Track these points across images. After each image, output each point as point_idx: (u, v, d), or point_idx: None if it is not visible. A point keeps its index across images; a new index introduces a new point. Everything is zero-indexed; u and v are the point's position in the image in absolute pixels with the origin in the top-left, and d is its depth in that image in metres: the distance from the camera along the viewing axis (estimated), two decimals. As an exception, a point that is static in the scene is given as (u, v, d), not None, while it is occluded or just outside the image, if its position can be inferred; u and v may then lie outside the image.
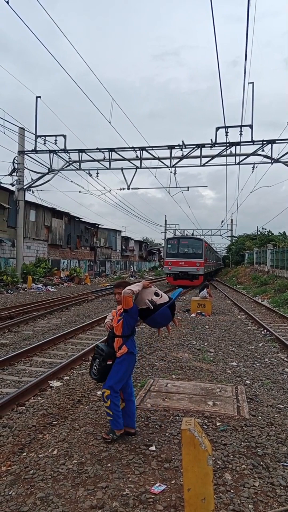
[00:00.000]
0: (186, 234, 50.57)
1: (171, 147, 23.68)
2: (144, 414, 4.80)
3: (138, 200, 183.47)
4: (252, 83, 22.27)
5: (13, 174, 26.26)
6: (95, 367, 4.15)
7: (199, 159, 23.73)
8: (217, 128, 22.27)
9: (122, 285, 4.15)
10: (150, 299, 4.08)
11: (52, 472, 3.49)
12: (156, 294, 4.17)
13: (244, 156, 23.49)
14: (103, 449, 3.91)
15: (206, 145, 22.99)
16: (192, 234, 49.91)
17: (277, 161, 22.63)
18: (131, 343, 4.15)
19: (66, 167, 25.77)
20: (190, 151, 23.57)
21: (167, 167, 24.58)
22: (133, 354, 4.15)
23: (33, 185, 26.97)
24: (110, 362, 4.09)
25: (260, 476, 3.48)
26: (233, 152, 23.18)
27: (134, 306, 4.09)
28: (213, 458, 3.54)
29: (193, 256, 30.76)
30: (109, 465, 3.62)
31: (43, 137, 24.53)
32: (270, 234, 50.41)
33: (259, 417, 4.84)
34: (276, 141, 22.27)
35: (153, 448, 3.95)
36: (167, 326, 4.43)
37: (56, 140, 24.28)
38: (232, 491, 3.25)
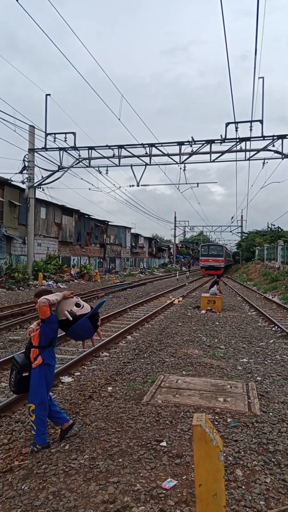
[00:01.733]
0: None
1: (180, 143, 23.58)
2: (154, 410, 4.82)
3: (147, 196, 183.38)
4: (263, 77, 21.99)
5: (23, 172, 26.41)
6: (12, 379, 4.03)
7: (208, 155, 23.61)
8: (227, 124, 22.12)
9: (42, 294, 4.02)
10: (70, 310, 3.96)
11: (64, 467, 3.52)
12: (77, 305, 4.04)
13: (254, 152, 23.30)
14: (114, 444, 3.93)
15: (215, 141, 22.86)
16: (202, 231, 71.82)
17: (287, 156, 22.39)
18: (48, 354, 3.99)
19: (76, 164, 25.83)
20: (200, 147, 23.45)
21: (177, 163, 24.49)
22: (49, 365, 4.01)
23: (43, 182, 27.10)
24: (27, 374, 3.97)
25: (272, 473, 3.48)
26: (243, 147, 23.01)
27: (52, 316, 3.95)
28: (224, 454, 3.54)
29: (217, 256, 46.61)
30: (120, 460, 3.64)
31: (53, 135, 24.63)
32: (279, 230, 50.03)
33: (270, 414, 4.82)
34: (287, 136, 22.03)
35: (164, 443, 3.96)
36: (92, 338, 4.27)
37: (66, 138, 24.36)
38: (243, 487, 3.25)
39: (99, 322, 4.21)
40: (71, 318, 3.92)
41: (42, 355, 3.95)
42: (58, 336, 9.40)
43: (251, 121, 21.58)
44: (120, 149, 24.46)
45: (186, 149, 23.82)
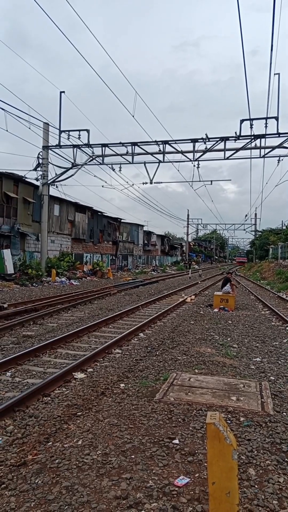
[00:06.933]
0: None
1: (194, 141, 23.45)
2: (167, 408, 4.82)
3: (159, 193, 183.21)
4: (278, 74, 21.70)
5: (37, 169, 26.59)
6: None
7: (222, 152, 23.43)
8: (242, 121, 21.91)
9: None
10: None
11: (77, 462, 3.55)
12: None
13: (270, 149, 23.06)
14: (127, 441, 3.95)
15: (230, 138, 22.67)
16: (215, 229, 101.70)
17: (303, 153, 22.10)
18: None
19: (89, 161, 25.91)
20: (214, 144, 23.29)
21: (190, 160, 24.37)
22: None
23: (57, 179, 27.26)
24: None
25: (285, 472, 3.45)
26: (258, 144, 22.78)
27: None
28: (237, 453, 3.53)
29: (243, 256, 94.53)
30: (133, 456, 3.65)
31: (67, 132, 24.73)
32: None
33: (284, 414, 4.78)
34: (303, 133, 21.73)
35: (176, 441, 3.96)
36: None
37: (79, 135, 24.43)
38: (256, 486, 3.23)
39: None
40: None
41: None
42: (71, 332, 9.38)
43: (266, 118, 21.33)
44: (133, 146, 24.44)
45: (200, 146, 23.71)
